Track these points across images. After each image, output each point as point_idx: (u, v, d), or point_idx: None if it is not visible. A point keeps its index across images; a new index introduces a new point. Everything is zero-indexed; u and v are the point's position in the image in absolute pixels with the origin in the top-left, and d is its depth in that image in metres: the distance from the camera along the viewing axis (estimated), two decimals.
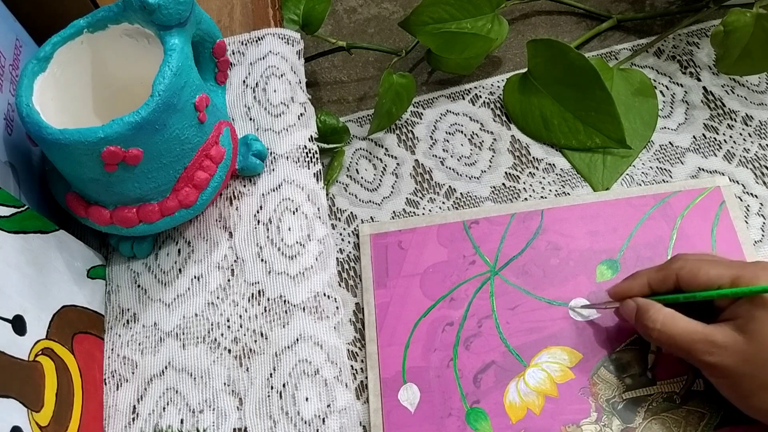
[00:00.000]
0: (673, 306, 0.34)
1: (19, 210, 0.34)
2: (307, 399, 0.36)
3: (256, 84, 0.45)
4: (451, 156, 0.46)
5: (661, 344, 0.34)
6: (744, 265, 0.33)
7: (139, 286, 0.41)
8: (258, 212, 0.42)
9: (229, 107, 0.45)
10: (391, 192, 0.45)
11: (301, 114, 0.44)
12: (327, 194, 0.45)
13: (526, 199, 0.44)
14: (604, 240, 0.40)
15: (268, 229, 0.41)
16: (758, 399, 0.31)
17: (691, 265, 0.33)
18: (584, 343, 0.37)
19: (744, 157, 0.44)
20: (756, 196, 0.43)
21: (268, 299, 0.39)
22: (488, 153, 0.46)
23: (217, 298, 0.40)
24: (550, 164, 0.45)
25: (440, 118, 0.48)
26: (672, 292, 0.34)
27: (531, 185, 0.45)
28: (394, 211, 0.44)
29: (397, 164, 0.47)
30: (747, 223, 0.42)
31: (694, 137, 0.45)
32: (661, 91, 0.47)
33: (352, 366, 0.39)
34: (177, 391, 0.37)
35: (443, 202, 0.45)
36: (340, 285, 0.42)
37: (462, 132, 0.47)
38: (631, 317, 0.35)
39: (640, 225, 0.40)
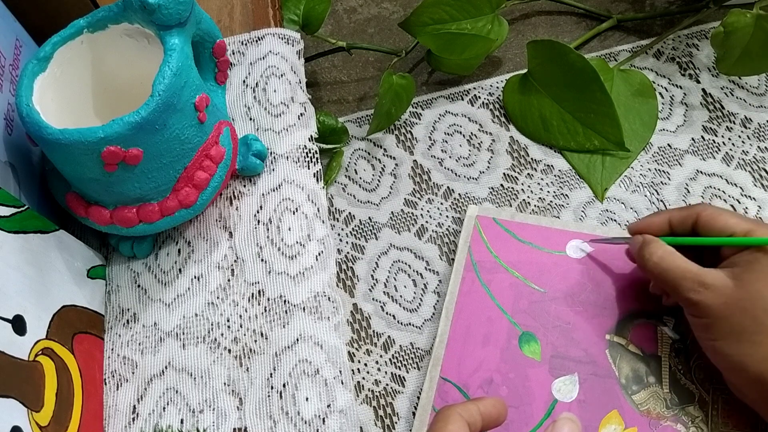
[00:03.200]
0: (682, 249, 0.35)
1: (19, 210, 0.34)
2: (307, 399, 0.36)
3: (256, 84, 0.45)
4: (450, 157, 0.46)
5: (654, 276, 0.35)
6: (761, 223, 0.34)
7: (139, 286, 0.41)
8: (258, 212, 0.42)
9: (229, 107, 0.45)
10: (390, 192, 0.46)
11: (301, 114, 0.44)
12: (325, 194, 0.45)
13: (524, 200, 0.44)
14: None
15: (268, 229, 0.41)
16: (725, 343, 0.32)
17: (713, 209, 0.35)
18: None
19: (743, 159, 0.44)
20: (754, 198, 0.43)
21: (268, 299, 0.39)
22: (487, 154, 0.46)
23: (217, 298, 0.40)
24: (548, 165, 0.46)
25: (439, 118, 0.48)
26: (689, 235, 0.35)
27: (529, 186, 0.45)
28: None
29: (396, 165, 0.47)
30: None
31: (692, 139, 0.45)
32: (660, 93, 0.48)
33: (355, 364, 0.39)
34: (177, 391, 0.37)
35: (441, 203, 0.45)
36: (338, 285, 0.42)
37: (461, 133, 0.47)
38: (634, 251, 0.36)
39: None
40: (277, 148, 0.43)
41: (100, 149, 0.33)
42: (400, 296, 0.42)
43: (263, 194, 0.42)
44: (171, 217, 0.38)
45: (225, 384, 0.37)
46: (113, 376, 0.38)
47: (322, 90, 0.51)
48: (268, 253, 0.40)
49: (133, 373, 0.38)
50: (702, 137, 0.45)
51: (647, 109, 0.46)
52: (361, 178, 0.46)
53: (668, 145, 0.45)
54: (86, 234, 0.42)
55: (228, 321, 0.39)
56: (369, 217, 0.45)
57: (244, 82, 0.46)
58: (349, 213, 0.45)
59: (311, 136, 0.44)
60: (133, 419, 0.37)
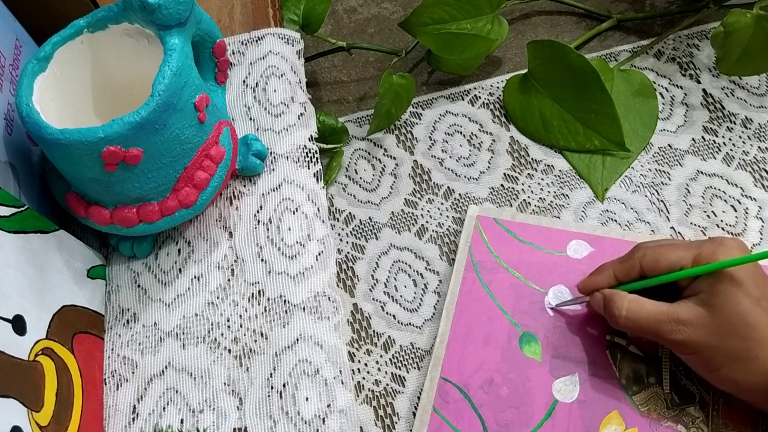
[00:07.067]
0: (641, 292, 0.34)
1: (19, 210, 0.34)
2: (307, 399, 0.36)
3: (256, 84, 0.45)
4: (450, 157, 0.46)
5: (630, 330, 0.35)
6: (701, 243, 0.33)
7: (139, 286, 0.41)
8: (258, 212, 0.42)
9: (229, 107, 0.45)
10: (390, 192, 0.46)
11: (301, 114, 0.44)
12: (326, 194, 0.45)
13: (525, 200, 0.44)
14: None
15: (268, 229, 0.41)
16: (727, 369, 0.32)
17: (652, 252, 0.34)
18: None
19: (743, 159, 0.44)
20: (755, 199, 0.43)
21: (268, 299, 0.39)
22: (487, 154, 0.46)
23: (217, 298, 0.40)
24: (548, 165, 0.46)
25: (439, 118, 0.48)
26: (638, 280, 0.35)
27: (530, 186, 0.45)
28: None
29: (396, 165, 0.47)
30: (746, 225, 0.42)
31: (693, 139, 0.45)
32: (660, 93, 0.48)
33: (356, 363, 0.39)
34: (177, 391, 0.37)
35: (441, 203, 0.45)
36: (338, 285, 0.42)
37: (461, 133, 0.47)
38: (600, 308, 0.36)
39: None
40: (277, 148, 0.43)
41: (100, 149, 0.33)
42: (401, 296, 0.42)
43: (263, 194, 0.42)
44: (171, 217, 0.38)
45: (225, 384, 0.37)
46: (113, 376, 0.38)
47: (322, 90, 0.51)
48: (268, 253, 0.40)
49: (133, 373, 0.38)
50: (702, 137, 0.45)
51: (647, 109, 0.46)
52: (361, 178, 0.46)
53: (669, 145, 0.45)
54: (86, 234, 0.42)
55: (228, 321, 0.39)
56: (369, 217, 0.45)
57: (244, 82, 0.46)
58: (350, 213, 0.45)
59: (311, 136, 0.44)
60: (133, 419, 0.37)
